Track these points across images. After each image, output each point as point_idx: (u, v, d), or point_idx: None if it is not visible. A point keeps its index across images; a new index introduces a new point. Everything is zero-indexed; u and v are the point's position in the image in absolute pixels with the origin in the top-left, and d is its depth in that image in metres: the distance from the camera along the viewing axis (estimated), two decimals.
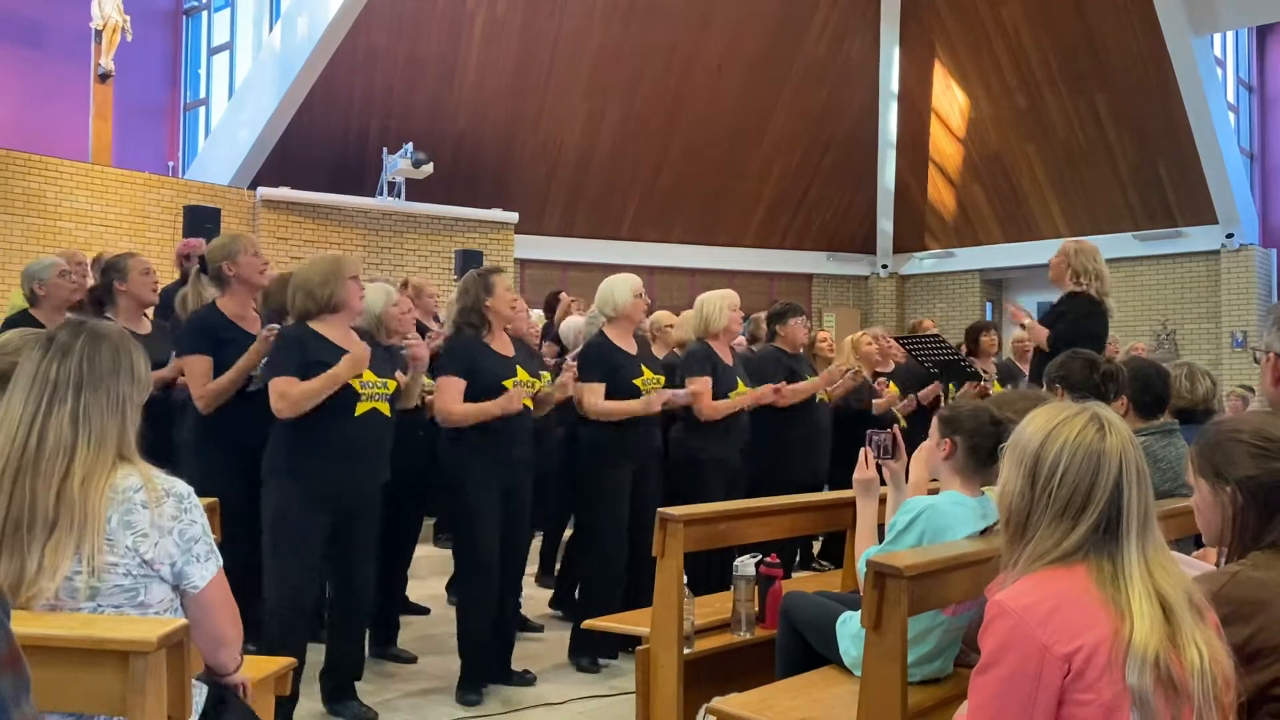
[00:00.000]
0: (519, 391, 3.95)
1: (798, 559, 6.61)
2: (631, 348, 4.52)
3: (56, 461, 1.78)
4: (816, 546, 6.56)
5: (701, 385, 4.62)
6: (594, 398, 4.39)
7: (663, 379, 4.57)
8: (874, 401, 6.07)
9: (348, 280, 3.61)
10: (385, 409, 3.67)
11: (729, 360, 4.79)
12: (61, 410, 1.81)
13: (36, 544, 1.73)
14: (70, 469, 1.78)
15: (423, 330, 5.29)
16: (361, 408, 3.56)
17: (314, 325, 3.58)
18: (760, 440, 4.98)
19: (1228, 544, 1.82)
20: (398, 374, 3.91)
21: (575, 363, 4.50)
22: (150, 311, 4.53)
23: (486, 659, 4.04)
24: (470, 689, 3.96)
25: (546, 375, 4.37)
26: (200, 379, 3.77)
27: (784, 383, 4.97)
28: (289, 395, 3.45)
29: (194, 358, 3.79)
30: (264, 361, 3.69)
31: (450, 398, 3.97)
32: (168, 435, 4.06)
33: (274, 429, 3.57)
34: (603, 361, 4.43)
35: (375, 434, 3.64)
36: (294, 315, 3.67)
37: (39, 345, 1.86)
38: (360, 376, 3.55)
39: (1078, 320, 4.75)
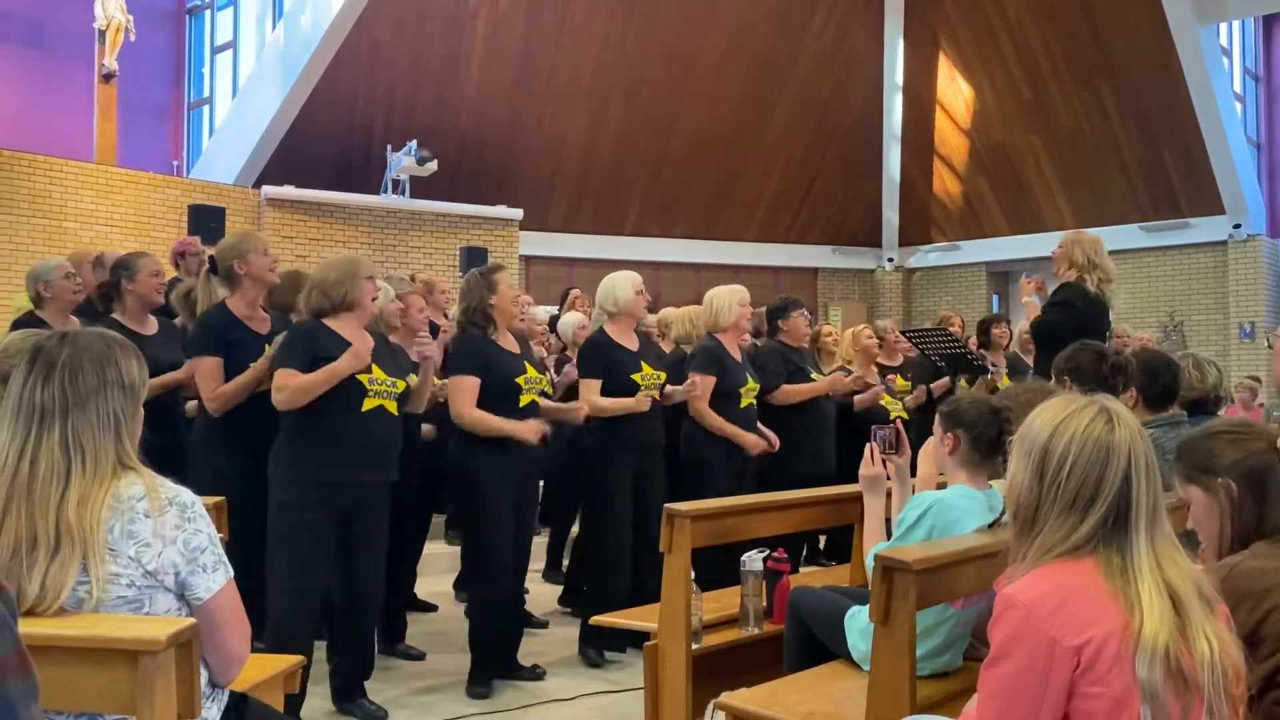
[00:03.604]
0: (531, 427, 4.02)
1: (804, 554, 6.60)
2: (633, 344, 4.52)
3: (51, 487, 1.75)
4: (823, 541, 6.54)
5: (702, 382, 4.61)
6: (590, 394, 4.42)
7: (664, 375, 4.57)
8: (857, 397, 5.79)
9: (363, 280, 3.66)
10: (393, 407, 3.66)
11: (738, 356, 4.80)
12: (50, 437, 1.78)
13: (38, 569, 1.71)
14: (65, 494, 1.75)
15: (434, 330, 5.29)
16: (369, 404, 3.56)
17: (327, 322, 3.62)
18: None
19: (1227, 539, 1.82)
20: (410, 375, 3.90)
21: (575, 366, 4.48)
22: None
23: (497, 654, 4.08)
24: (481, 683, 4.01)
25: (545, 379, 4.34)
26: (210, 381, 3.76)
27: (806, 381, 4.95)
28: (288, 386, 3.47)
29: (204, 359, 3.78)
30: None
31: (464, 400, 4.00)
32: (177, 437, 4.06)
33: (282, 424, 3.57)
34: (600, 357, 4.45)
35: (381, 431, 3.63)
36: (308, 312, 3.70)
37: (23, 364, 1.82)
38: (369, 372, 3.56)
39: (1055, 305, 4.78)
